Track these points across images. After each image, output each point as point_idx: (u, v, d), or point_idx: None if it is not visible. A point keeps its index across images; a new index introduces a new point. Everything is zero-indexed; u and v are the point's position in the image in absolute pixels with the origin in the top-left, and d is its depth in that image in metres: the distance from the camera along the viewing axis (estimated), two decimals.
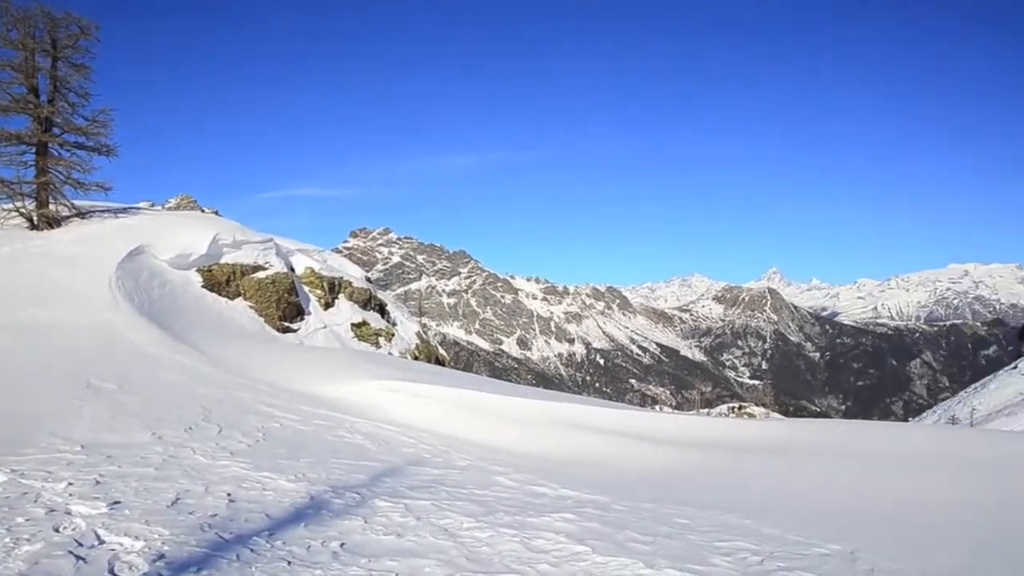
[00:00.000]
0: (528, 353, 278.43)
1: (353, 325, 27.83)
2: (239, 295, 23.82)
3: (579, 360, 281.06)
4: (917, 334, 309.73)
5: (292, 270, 27.30)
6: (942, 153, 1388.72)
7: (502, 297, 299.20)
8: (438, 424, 13.60)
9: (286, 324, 24.64)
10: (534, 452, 12.40)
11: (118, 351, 13.83)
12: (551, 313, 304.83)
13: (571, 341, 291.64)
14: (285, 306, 24.79)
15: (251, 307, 23.78)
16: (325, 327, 26.41)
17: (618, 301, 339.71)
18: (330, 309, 27.96)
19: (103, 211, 25.22)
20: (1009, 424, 37.27)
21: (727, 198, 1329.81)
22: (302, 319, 25.78)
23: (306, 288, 27.58)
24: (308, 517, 6.27)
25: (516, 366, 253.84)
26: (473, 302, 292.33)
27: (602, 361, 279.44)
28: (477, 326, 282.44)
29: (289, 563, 5.11)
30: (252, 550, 5.26)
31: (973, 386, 52.56)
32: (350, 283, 29.96)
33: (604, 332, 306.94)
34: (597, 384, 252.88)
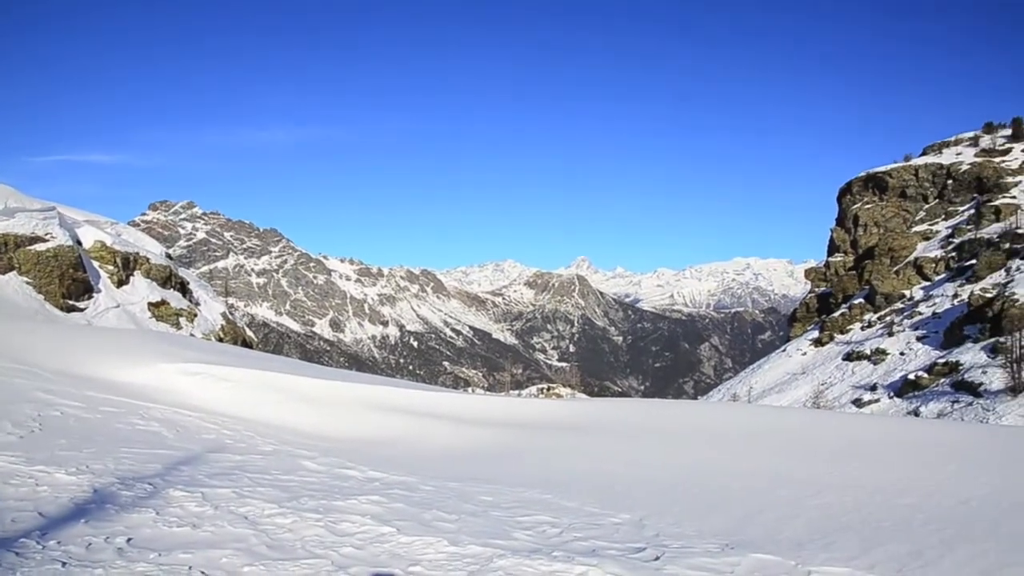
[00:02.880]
0: (341, 335, 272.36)
1: (150, 304, 26.01)
2: (12, 269, 21.46)
3: (393, 343, 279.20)
4: (707, 320, 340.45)
5: (79, 243, 24.97)
6: (732, 149, 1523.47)
7: (314, 278, 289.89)
8: (243, 409, 13.09)
9: (71, 302, 22.53)
10: (344, 435, 12.28)
11: None
12: (365, 295, 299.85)
13: (385, 323, 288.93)
14: (70, 282, 22.63)
15: (27, 283, 21.50)
16: (118, 306, 24.46)
17: (432, 284, 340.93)
18: (124, 287, 25.93)
19: None
20: (778, 400, 41.92)
21: (540, 186, 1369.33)
22: (90, 297, 23.71)
23: (96, 263, 25.37)
24: (90, 512, 5.77)
25: (328, 348, 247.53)
26: (284, 282, 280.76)
27: (416, 344, 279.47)
28: (288, 307, 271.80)
29: (64, 564, 4.67)
30: (18, 553, 4.75)
31: (751, 367, 58.48)
32: (148, 259, 27.93)
33: (418, 315, 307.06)
34: (411, 367, 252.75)
